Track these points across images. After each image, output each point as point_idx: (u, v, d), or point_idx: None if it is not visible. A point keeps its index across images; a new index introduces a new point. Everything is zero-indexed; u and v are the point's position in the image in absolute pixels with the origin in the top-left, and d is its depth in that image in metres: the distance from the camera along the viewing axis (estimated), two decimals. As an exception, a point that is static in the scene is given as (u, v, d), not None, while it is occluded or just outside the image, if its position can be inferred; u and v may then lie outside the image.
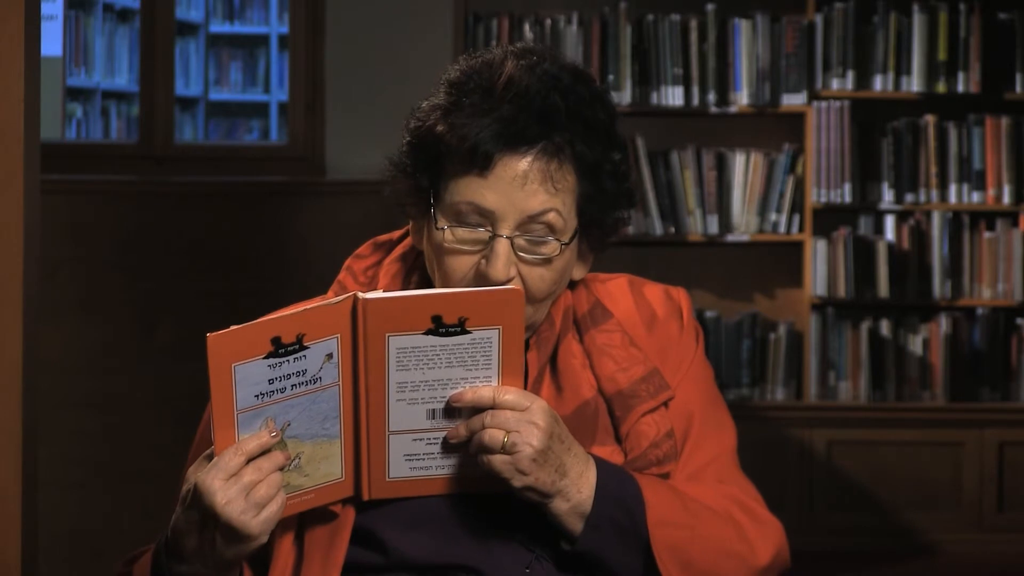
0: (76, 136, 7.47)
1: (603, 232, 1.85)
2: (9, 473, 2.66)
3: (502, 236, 1.76)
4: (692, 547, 1.78)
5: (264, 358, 1.64)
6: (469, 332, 1.68)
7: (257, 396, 1.65)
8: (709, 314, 5.53)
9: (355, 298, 1.67)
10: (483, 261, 1.77)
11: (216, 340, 1.62)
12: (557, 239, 1.78)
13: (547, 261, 1.78)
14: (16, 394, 2.66)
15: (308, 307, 1.67)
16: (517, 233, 1.77)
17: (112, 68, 7.73)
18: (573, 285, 1.90)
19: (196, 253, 4.76)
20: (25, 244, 2.67)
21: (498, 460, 1.69)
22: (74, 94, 7.53)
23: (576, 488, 1.73)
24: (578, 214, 1.80)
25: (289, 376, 1.66)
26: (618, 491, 1.75)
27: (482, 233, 1.77)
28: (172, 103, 5.16)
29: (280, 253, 4.73)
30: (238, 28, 8.85)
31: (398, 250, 1.90)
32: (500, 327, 1.69)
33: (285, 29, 7.25)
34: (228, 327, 1.63)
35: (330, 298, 1.71)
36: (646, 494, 1.77)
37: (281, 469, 1.67)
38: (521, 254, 1.77)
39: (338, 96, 5.07)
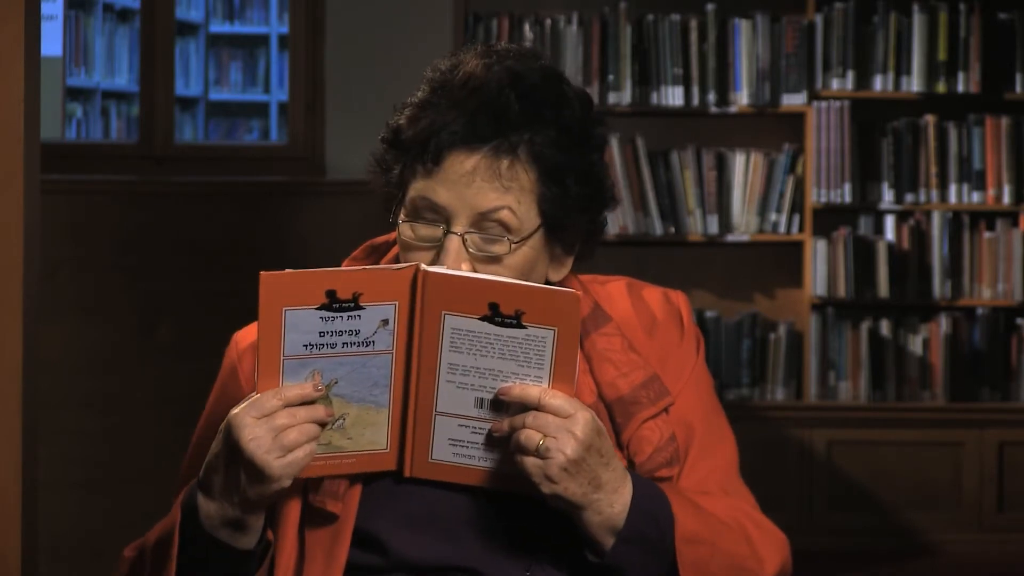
0: (76, 136, 7.47)
1: (574, 235, 1.83)
2: (9, 473, 2.66)
3: (454, 233, 1.76)
4: (712, 563, 1.78)
5: (317, 309, 1.63)
6: (525, 327, 1.67)
7: (306, 346, 1.64)
8: (709, 314, 5.53)
9: (417, 268, 1.66)
10: (436, 257, 1.77)
11: (269, 280, 1.61)
12: (509, 239, 1.77)
13: (498, 259, 1.77)
14: (16, 394, 2.66)
15: (368, 267, 1.66)
16: (472, 230, 1.76)
17: (112, 68, 7.73)
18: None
19: (196, 253, 4.76)
20: (25, 244, 2.67)
21: (529, 462, 1.68)
22: (74, 94, 7.53)
23: (608, 503, 1.72)
24: (540, 215, 1.79)
25: (341, 333, 1.65)
26: (651, 507, 1.75)
27: (437, 230, 1.77)
28: (172, 103, 5.16)
29: (280, 253, 4.73)
30: (238, 28, 8.85)
31: (393, 251, 1.90)
32: (556, 328, 1.67)
33: (285, 29, 7.25)
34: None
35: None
36: (675, 509, 1.76)
37: (323, 425, 1.67)
38: (472, 251, 1.77)
39: (338, 96, 5.07)
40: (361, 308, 1.65)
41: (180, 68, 8.12)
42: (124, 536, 1.92)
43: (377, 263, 1.90)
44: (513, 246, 1.77)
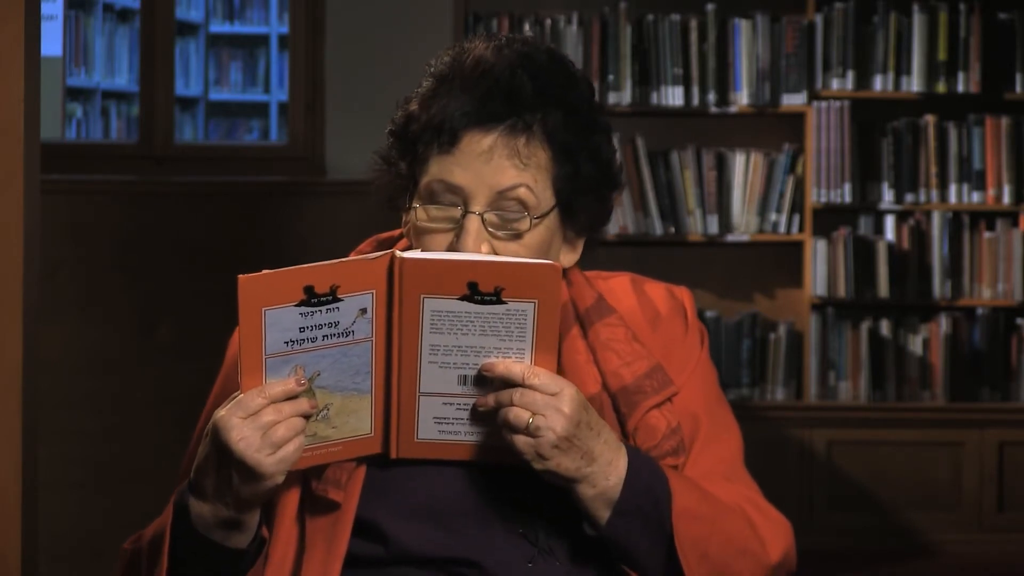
0: (76, 136, 7.47)
1: (586, 216, 1.85)
2: (9, 473, 2.66)
3: (473, 212, 1.76)
4: (711, 541, 1.79)
5: (296, 305, 1.64)
6: (504, 303, 1.68)
7: (287, 343, 1.65)
8: (709, 314, 5.53)
9: (393, 256, 1.67)
10: (456, 238, 1.77)
11: (248, 282, 1.62)
12: (529, 215, 1.78)
13: (518, 236, 1.78)
14: (16, 394, 2.67)
15: (343, 259, 1.67)
16: (488, 210, 1.77)
17: (112, 68, 7.73)
18: (568, 278, 1.89)
19: (196, 253, 4.76)
20: (25, 244, 2.67)
21: (520, 440, 1.69)
22: (74, 94, 7.53)
23: (603, 475, 1.73)
24: (555, 194, 1.80)
25: (321, 326, 1.66)
26: (648, 481, 1.76)
27: (454, 211, 1.78)
28: (172, 103, 5.16)
29: (280, 253, 4.73)
30: (238, 28, 8.85)
31: (399, 246, 1.90)
32: (536, 301, 1.68)
33: (285, 29, 7.25)
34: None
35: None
36: (673, 485, 1.77)
37: (308, 418, 1.68)
38: (492, 230, 1.77)
39: (338, 96, 5.07)
40: (339, 300, 1.66)
41: (180, 68, 8.12)
42: (124, 536, 1.92)
43: None
44: (533, 221, 1.78)
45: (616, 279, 1.94)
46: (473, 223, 1.76)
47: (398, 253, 1.67)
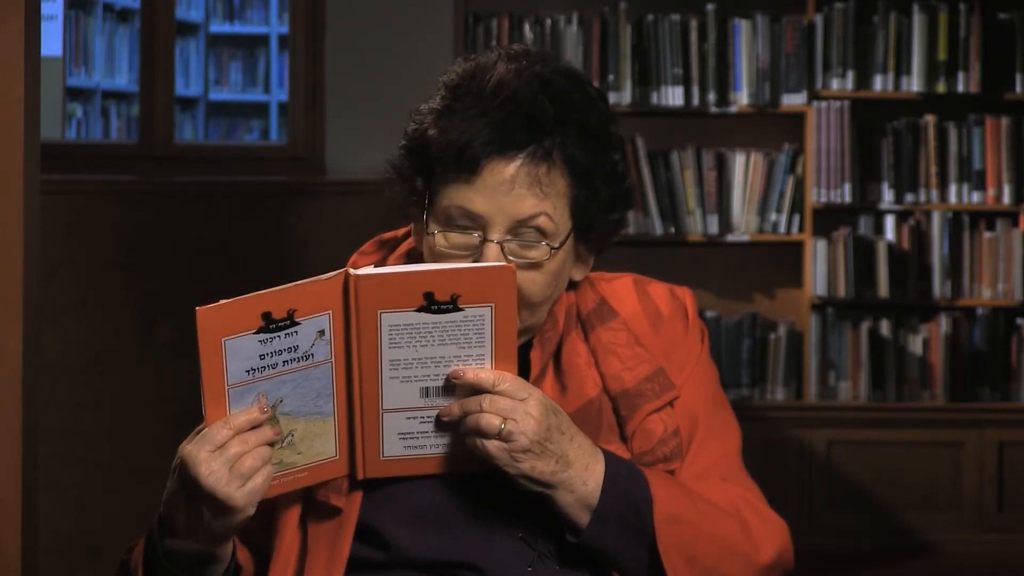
0: (76, 136, 7.47)
1: (600, 234, 1.85)
2: (9, 473, 2.66)
3: (492, 241, 1.77)
4: (698, 544, 1.79)
5: (255, 333, 1.64)
6: (462, 309, 1.68)
7: (248, 371, 1.65)
8: (709, 314, 5.53)
9: (347, 274, 1.67)
10: None
11: (206, 314, 1.62)
12: (548, 244, 1.78)
13: (537, 265, 1.78)
14: (16, 394, 2.67)
15: (298, 282, 1.66)
16: (508, 237, 1.77)
17: (112, 68, 7.73)
18: (575, 284, 1.90)
19: (196, 253, 4.76)
20: (25, 244, 2.67)
21: (493, 446, 1.69)
22: (74, 94, 7.53)
23: (581, 480, 1.73)
24: (571, 217, 1.80)
25: (280, 352, 1.65)
26: (626, 486, 1.76)
27: (473, 237, 1.78)
28: (172, 103, 5.16)
29: (280, 253, 4.73)
30: (238, 28, 8.86)
31: (403, 247, 1.91)
32: (493, 304, 1.68)
33: (285, 29, 7.26)
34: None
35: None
36: (654, 490, 1.77)
37: (272, 445, 1.67)
38: (511, 258, 1.77)
39: (338, 96, 5.07)
40: (297, 324, 1.65)
41: (180, 68, 8.12)
42: (124, 536, 1.93)
43: (387, 257, 1.90)
44: (552, 251, 1.78)
45: (619, 280, 1.94)
46: (492, 251, 1.76)
47: (351, 271, 1.66)
